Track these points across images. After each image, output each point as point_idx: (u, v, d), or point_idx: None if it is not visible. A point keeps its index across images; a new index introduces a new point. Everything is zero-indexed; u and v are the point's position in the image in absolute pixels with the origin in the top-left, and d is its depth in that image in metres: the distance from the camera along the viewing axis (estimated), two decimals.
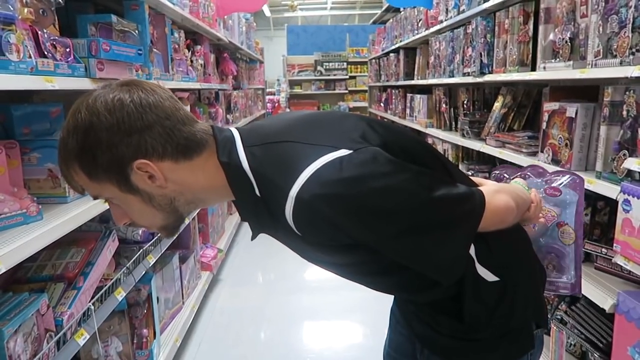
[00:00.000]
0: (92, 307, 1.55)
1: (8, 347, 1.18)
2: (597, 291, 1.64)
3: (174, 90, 2.66)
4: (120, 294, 1.76)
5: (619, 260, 1.51)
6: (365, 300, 2.90)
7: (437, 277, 0.91)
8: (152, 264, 2.10)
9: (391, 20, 6.03)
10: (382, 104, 6.84)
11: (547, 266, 1.12)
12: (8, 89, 1.13)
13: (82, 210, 1.45)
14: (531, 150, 2.25)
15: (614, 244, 1.53)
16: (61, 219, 1.36)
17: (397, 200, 0.80)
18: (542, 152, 2.10)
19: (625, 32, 1.52)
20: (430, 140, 4.04)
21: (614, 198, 1.53)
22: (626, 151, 1.56)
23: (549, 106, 2.05)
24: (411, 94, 4.90)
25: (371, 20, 11.38)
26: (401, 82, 5.30)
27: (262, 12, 13.97)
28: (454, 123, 3.61)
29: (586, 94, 2.01)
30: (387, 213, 0.80)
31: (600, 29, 1.65)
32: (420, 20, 4.43)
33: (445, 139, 3.59)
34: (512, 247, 1.01)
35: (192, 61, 3.14)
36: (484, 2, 2.71)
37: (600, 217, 1.89)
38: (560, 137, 1.95)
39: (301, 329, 2.92)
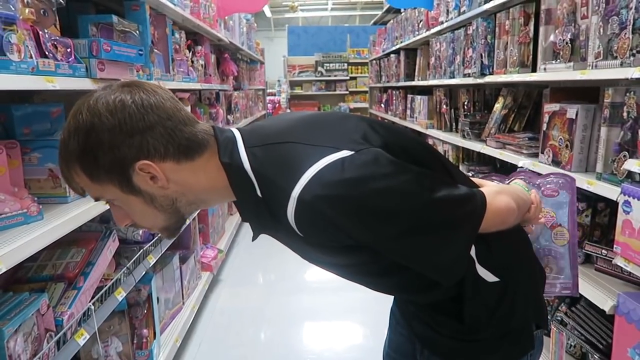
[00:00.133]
0: (92, 307, 1.55)
1: (8, 346, 1.18)
2: (597, 292, 1.64)
3: (174, 90, 2.67)
4: (120, 294, 1.76)
5: (619, 261, 1.51)
6: (365, 301, 2.90)
7: (438, 278, 0.91)
8: (152, 264, 2.11)
9: (392, 21, 6.03)
10: (382, 105, 6.84)
11: (545, 268, 1.12)
12: (9, 89, 1.14)
13: (82, 210, 1.45)
14: (531, 151, 2.25)
15: (614, 246, 1.53)
16: (62, 219, 1.36)
17: (399, 201, 0.80)
18: (542, 153, 2.10)
19: (625, 33, 1.52)
20: (430, 141, 4.04)
21: (614, 199, 1.53)
22: (626, 152, 1.56)
23: (549, 107, 2.06)
24: (412, 95, 4.90)
25: (372, 21, 11.37)
26: (402, 83, 5.30)
27: (262, 12, 13.98)
28: (454, 124, 3.61)
29: (587, 95, 2.01)
30: (389, 214, 0.80)
31: (601, 30, 1.65)
32: (420, 21, 4.43)
33: (446, 140, 3.59)
34: (513, 247, 1.01)
35: (192, 62, 3.15)
36: (485, 3, 2.71)
37: (600, 218, 1.89)
38: (560, 139, 1.95)
39: (301, 330, 2.92)
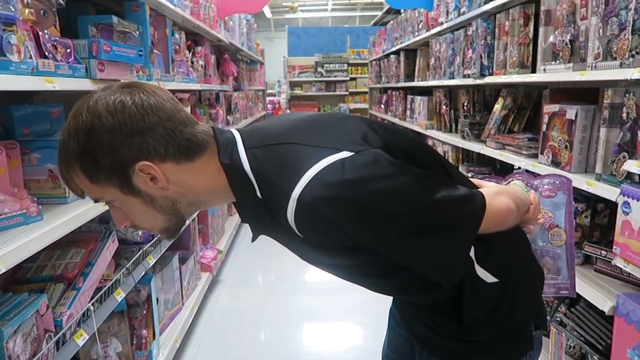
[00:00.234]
0: (92, 308, 1.55)
1: (7, 347, 1.18)
2: (597, 293, 1.64)
3: (174, 91, 2.67)
4: (119, 295, 1.76)
5: (618, 262, 1.51)
6: (364, 302, 2.90)
7: (438, 279, 0.91)
8: (151, 264, 2.11)
9: (392, 22, 6.03)
10: (382, 106, 6.85)
11: (543, 269, 1.12)
12: (9, 89, 1.14)
13: (82, 210, 1.45)
14: (531, 152, 2.25)
15: (614, 246, 1.53)
16: (61, 219, 1.36)
17: (399, 202, 0.80)
18: (542, 154, 2.10)
19: (625, 34, 1.52)
20: (430, 142, 4.04)
21: (614, 200, 1.53)
22: (626, 153, 1.56)
23: (549, 108, 2.06)
24: (411, 96, 4.90)
25: (372, 22, 11.39)
26: (401, 84, 5.30)
27: (262, 13, 13.99)
28: (454, 125, 3.61)
29: (586, 96, 2.01)
30: (389, 215, 0.80)
31: (600, 31, 1.65)
32: (420, 22, 4.43)
33: (446, 141, 3.59)
34: (512, 248, 1.01)
35: (192, 62, 3.15)
36: (484, 4, 2.72)
37: (600, 219, 1.90)
38: (560, 139, 1.95)
39: (301, 331, 2.92)
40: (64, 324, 1.41)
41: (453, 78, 3.41)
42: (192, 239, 3.05)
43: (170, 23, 2.58)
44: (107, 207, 0.93)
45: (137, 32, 1.94)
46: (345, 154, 0.80)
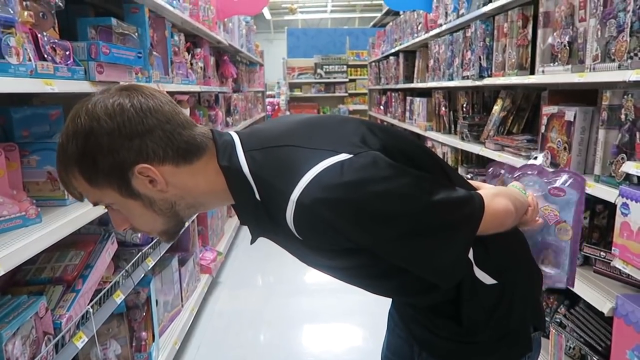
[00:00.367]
0: (91, 310, 1.55)
1: (6, 349, 1.18)
2: (596, 294, 1.64)
3: (173, 93, 2.67)
4: (119, 297, 1.76)
5: (617, 263, 1.51)
6: (364, 303, 2.90)
7: (437, 281, 0.91)
8: (151, 266, 2.10)
9: (391, 23, 6.04)
10: (381, 107, 6.85)
11: (543, 260, 1.12)
12: (8, 91, 1.14)
13: (81, 213, 1.45)
14: (530, 153, 2.25)
15: (613, 248, 1.53)
16: (60, 221, 1.36)
17: (398, 204, 0.80)
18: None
19: (623, 36, 1.53)
20: (429, 144, 4.04)
21: (613, 202, 1.54)
22: (624, 155, 1.56)
23: (547, 110, 2.06)
24: (411, 97, 4.91)
25: (371, 24, 11.39)
26: (401, 85, 5.31)
27: (262, 14, 13.99)
28: (453, 126, 3.61)
29: (585, 98, 2.01)
30: (388, 217, 0.80)
31: (599, 33, 1.65)
32: (419, 24, 4.44)
33: (445, 142, 3.59)
34: (510, 250, 1.02)
35: (192, 64, 3.15)
36: (483, 6, 2.72)
37: (599, 220, 1.90)
38: (559, 141, 1.95)
39: (300, 332, 2.92)
40: (63, 326, 1.41)
41: (452, 79, 3.41)
42: (192, 240, 3.05)
43: (170, 25, 2.58)
44: (106, 210, 0.93)
45: (136, 34, 1.94)
46: (344, 156, 0.80)
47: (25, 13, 1.30)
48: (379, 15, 10.20)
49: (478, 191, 0.95)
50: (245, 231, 4.65)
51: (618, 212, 1.49)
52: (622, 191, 1.47)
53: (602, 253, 1.75)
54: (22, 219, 1.29)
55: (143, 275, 2.01)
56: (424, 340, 1.05)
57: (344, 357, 2.64)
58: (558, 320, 1.98)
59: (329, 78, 10.15)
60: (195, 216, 3.04)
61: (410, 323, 1.09)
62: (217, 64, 4.19)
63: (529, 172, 1.16)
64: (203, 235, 3.52)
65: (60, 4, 1.47)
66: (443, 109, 3.76)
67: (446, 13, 3.52)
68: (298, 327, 2.96)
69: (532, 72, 2.28)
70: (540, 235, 1.13)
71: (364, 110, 9.21)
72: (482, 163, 3.33)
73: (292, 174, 0.80)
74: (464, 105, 3.37)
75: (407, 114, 5.01)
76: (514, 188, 1.07)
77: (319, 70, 10.16)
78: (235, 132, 0.92)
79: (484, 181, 1.21)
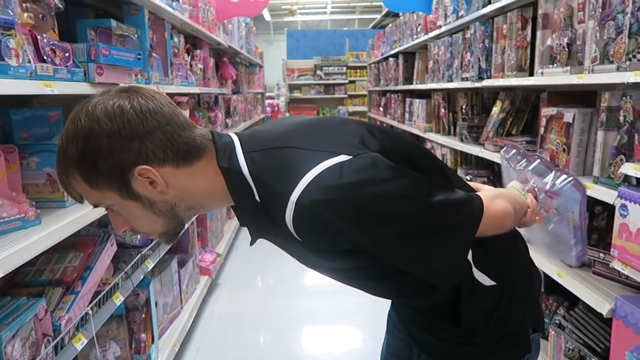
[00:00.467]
0: (90, 312, 1.55)
1: (6, 351, 1.18)
2: (595, 296, 1.64)
3: (173, 94, 2.67)
4: (118, 299, 1.76)
5: (616, 265, 1.52)
6: (363, 305, 2.90)
7: (436, 282, 0.91)
8: (150, 268, 2.10)
9: (390, 25, 6.05)
10: (381, 109, 6.85)
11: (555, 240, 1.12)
12: (7, 93, 1.14)
13: (80, 214, 1.45)
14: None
15: (612, 249, 1.53)
16: (59, 223, 1.36)
17: (397, 206, 0.80)
18: None
19: (622, 37, 1.53)
20: (429, 145, 4.04)
21: (611, 203, 1.54)
22: (623, 156, 1.56)
23: (546, 111, 2.06)
24: (410, 99, 4.91)
25: (371, 25, 11.41)
26: (400, 87, 5.31)
27: (262, 16, 14.00)
28: (452, 128, 3.61)
29: (584, 99, 2.02)
30: (387, 218, 0.80)
31: (598, 35, 1.66)
32: (419, 25, 4.45)
33: (444, 144, 3.60)
34: (509, 251, 1.02)
35: (191, 65, 3.15)
36: (483, 8, 2.73)
37: (597, 222, 1.90)
38: (558, 142, 1.96)
39: (300, 334, 2.92)
40: (63, 328, 1.41)
41: (451, 81, 3.42)
42: (191, 242, 3.05)
43: (169, 26, 2.58)
44: (105, 212, 0.93)
45: (136, 36, 1.95)
46: (343, 158, 0.81)
47: (25, 15, 1.30)
48: (378, 16, 10.22)
49: (477, 193, 0.96)
50: (245, 233, 4.65)
51: (617, 213, 1.49)
52: (620, 192, 1.48)
53: (601, 254, 1.76)
54: (21, 220, 1.29)
55: (142, 277, 2.01)
56: (423, 342, 1.05)
57: (343, 358, 2.64)
58: (557, 321, 1.98)
59: (328, 79, 10.15)
60: (194, 218, 3.04)
61: (409, 324, 1.09)
62: (217, 66, 4.19)
63: (538, 161, 1.16)
64: (202, 237, 3.52)
65: (60, 5, 1.48)
66: (442, 110, 3.76)
67: (445, 15, 3.52)
68: (298, 329, 2.96)
69: (531, 74, 2.29)
70: (550, 225, 1.13)
71: (364, 111, 9.21)
72: (481, 164, 3.33)
73: (292, 175, 0.80)
74: (463, 107, 3.37)
75: (407, 115, 5.01)
76: (514, 189, 1.08)
77: (318, 72, 10.17)
78: (235, 133, 0.92)
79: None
